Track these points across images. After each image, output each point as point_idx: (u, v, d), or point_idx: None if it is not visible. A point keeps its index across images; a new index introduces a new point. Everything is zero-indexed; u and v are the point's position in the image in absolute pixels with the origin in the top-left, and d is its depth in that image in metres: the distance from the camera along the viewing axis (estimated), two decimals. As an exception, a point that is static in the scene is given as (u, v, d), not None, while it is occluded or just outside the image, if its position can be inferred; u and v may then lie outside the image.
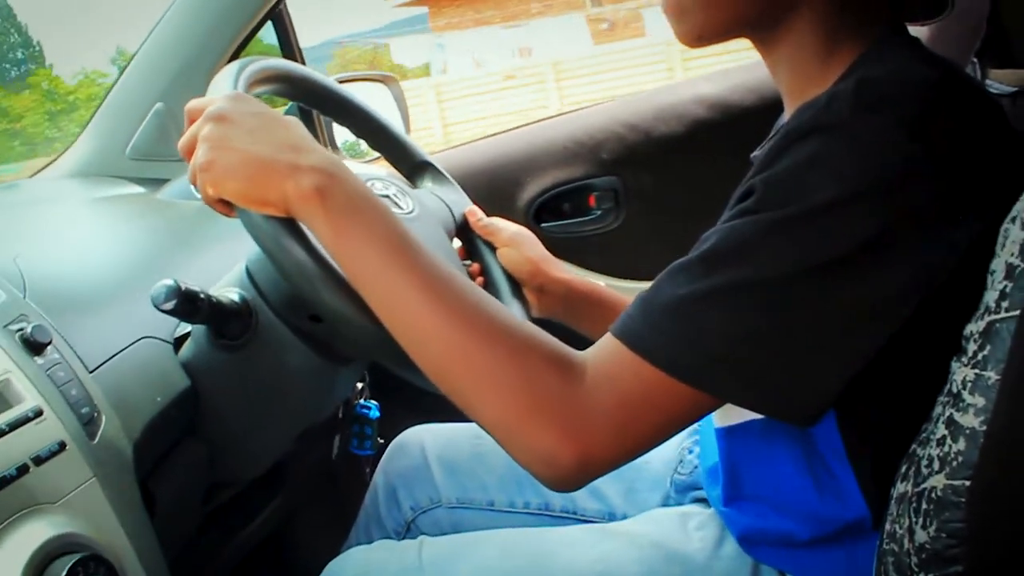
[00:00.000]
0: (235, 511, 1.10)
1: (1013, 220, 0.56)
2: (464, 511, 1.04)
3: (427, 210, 0.98)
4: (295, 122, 0.70)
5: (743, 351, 0.58)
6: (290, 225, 0.69)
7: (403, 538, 1.04)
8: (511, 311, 0.98)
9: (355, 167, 1.43)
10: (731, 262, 0.59)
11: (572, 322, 1.03)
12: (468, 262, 1.05)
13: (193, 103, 0.72)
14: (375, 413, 1.25)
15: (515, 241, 1.01)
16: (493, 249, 1.03)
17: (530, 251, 1.01)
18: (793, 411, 0.60)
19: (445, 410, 0.93)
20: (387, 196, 0.94)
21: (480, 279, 1.02)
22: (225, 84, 0.78)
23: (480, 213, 1.05)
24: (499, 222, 1.04)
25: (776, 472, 0.73)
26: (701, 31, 0.72)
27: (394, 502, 1.07)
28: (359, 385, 1.26)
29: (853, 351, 0.59)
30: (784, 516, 0.74)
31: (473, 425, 1.04)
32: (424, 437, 1.11)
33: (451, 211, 1.04)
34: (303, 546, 1.41)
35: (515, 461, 0.62)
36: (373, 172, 0.98)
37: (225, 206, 0.69)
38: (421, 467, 1.07)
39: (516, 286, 1.02)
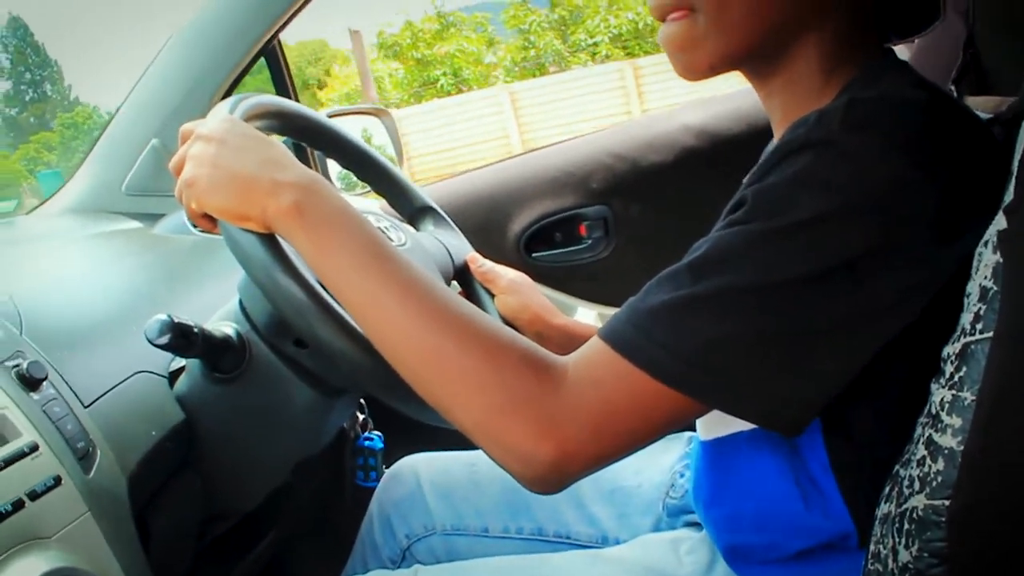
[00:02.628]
0: (231, 544, 1.10)
1: (985, 244, 0.57)
2: (458, 537, 1.04)
3: (421, 248, 1.00)
4: (280, 144, 0.73)
5: (726, 356, 0.58)
6: (270, 241, 0.71)
7: (398, 566, 1.05)
8: None
9: (358, 202, 1.45)
10: (718, 270, 0.59)
11: None
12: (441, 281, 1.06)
13: (187, 125, 0.76)
14: (379, 444, 1.25)
15: (513, 288, 1.04)
16: (492, 296, 1.05)
17: (528, 298, 1.04)
18: (774, 419, 0.60)
19: (446, 438, 0.95)
20: (380, 229, 0.95)
21: None
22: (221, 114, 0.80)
23: (480, 260, 1.08)
24: (498, 269, 1.06)
25: (762, 484, 0.74)
26: (711, 61, 0.71)
27: (389, 530, 1.08)
28: (360, 417, 1.26)
29: (834, 365, 0.60)
30: (770, 529, 0.74)
31: (468, 453, 1.05)
32: (419, 466, 1.11)
33: (451, 255, 1.06)
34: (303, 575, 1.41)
35: (493, 460, 0.62)
36: (366, 207, 1.00)
37: (208, 221, 0.73)
38: (416, 495, 1.08)
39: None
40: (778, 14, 0.69)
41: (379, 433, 1.32)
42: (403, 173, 1.11)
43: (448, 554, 1.03)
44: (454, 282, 1.06)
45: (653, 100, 12.89)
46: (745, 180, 0.81)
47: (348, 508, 1.39)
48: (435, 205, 1.11)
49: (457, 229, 1.12)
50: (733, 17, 0.68)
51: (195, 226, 1.27)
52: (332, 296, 0.70)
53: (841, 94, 0.68)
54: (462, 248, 1.09)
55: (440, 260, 1.04)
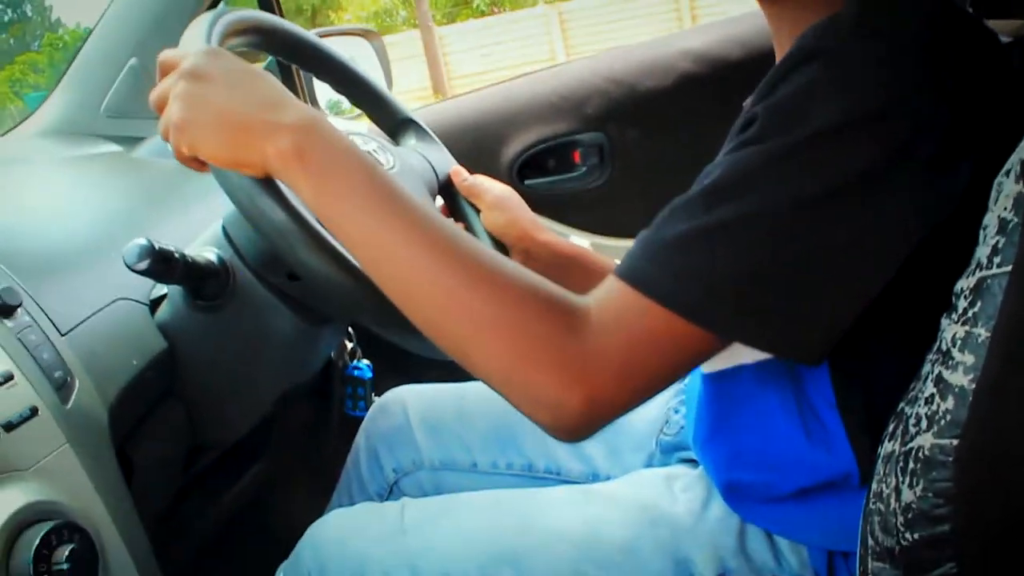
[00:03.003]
0: (216, 476, 1.09)
1: (1007, 173, 0.54)
2: (447, 473, 1.03)
3: (409, 167, 0.96)
4: (272, 78, 0.67)
5: (749, 286, 0.56)
6: (267, 184, 0.67)
7: (385, 500, 1.04)
8: None
9: (336, 124, 1.41)
10: (734, 195, 0.57)
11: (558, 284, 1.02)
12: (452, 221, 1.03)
13: (166, 54, 0.69)
14: (368, 373, 1.24)
15: (500, 204, 0.99)
16: (478, 211, 1.02)
17: (516, 214, 0.99)
18: (800, 348, 0.58)
19: (436, 368, 0.92)
20: (368, 152, 0.91)
21: None
22: (198, 35, 0.76)
23: (464, 173, 1.03)
24: (484, 183, 1.02)
25: (765, 419, 0.72)
26: None
27: (376, 464, 1.06)
28: (349, 346, 1.25)
29: (860, 283, 0.57)
30: (771, 466, 0.73)
31: (457, 386, 1.03)
32: (407, 398, 1.09)
33: (435, 170, 1.02)
34: (286, 510, 1.41)
35: (519, 411, 0.60)
36: (353, 128, 0.96)
37: (199, 163, 0.67)
38: (404, 429, 1.06)
39: (502, 248, 1.01)
40: None
41: (368, 362, 1.30)
42: (385, 88, 1.06)
43: (436, 489, 1.02)
44: (438, 197, 1.02)
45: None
46: (746, 103, 0.78)
47: (334, 439, 1.38)
48: (417, 118, 1.07)
49: (439, 142, 1.08)
50: None
51: None
52: (338, 242, 0.66)
53: (848, 4, 0.64)
54: (445, 161, 1.05)
55: (427, 178, 1.00)
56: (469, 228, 1.02)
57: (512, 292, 0.59)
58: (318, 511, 1.09)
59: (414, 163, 0.99)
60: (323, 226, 0.65)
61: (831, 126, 0.55)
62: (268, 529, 1.37)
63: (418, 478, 1.03)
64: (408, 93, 13.87)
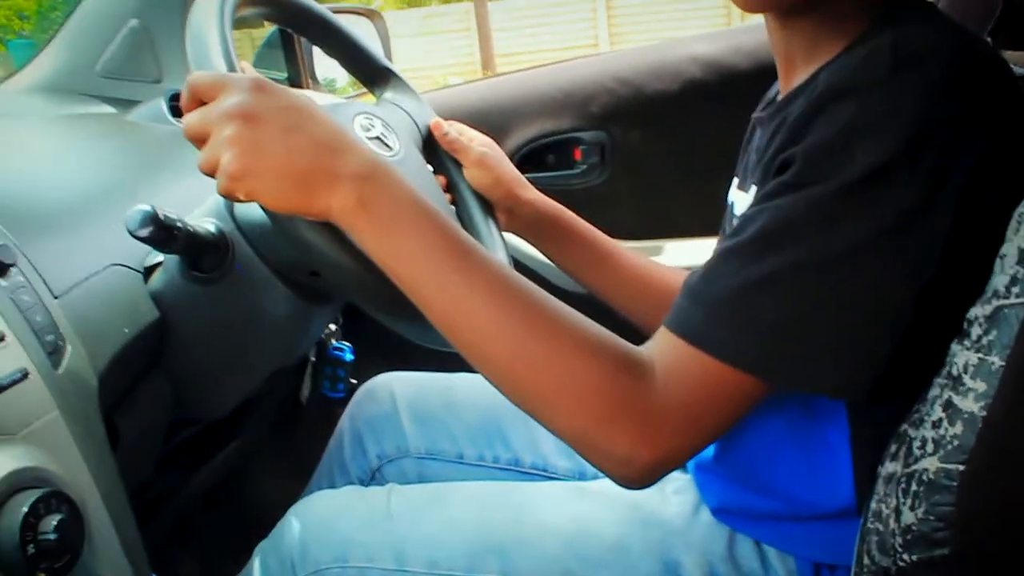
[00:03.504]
0: (194, 449, 1.08)
1: None
2: (432, 462, 1.02)
3: (414, 158, 0.94)
4: (326, 114, 0.64)
5: (804, 334, 0.57)
6: (325, 227, 0.64)
7: (368, 486, 1.03)
8: (487, 231, 0.96)
9: (336, 100, 1.39)
10: (782, 243, 0.57)
11: (537, 243, 1.03)
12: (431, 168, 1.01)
13: (201, 78, 0.63)
14: (348, 356, 1.22)
15: (484, 162, 0.99)
16: (459, 166, 1.01)
17: (500, 172, 0.99)
18: (854, 387, 0.59)
19: (419, 357, 0.91)
20: (375, 138, 0.90)
21: (448, 196, 1.00)
22: (212, 2, 0.74)
23: (445, 126, 1.01)
24: (464, 137, 1.01)
25: (772, 448, 0.73)
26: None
27: (360, 449, 1.05)
28: (332, 327, 1.23)
29: (902, 316, 0.58)
30: (770, 496, 0.74)
31: (445, 375, 1.02)
32: (394, 385, 1.08)
33: (415, 122, 1.01)
34: (261, 488, 1.40)
35: (591, 464, 0.61)
36: (358, 107, 0.94)
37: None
38: (390, 415, 1.05)
39: (486, 203, 1.00)
40: None
41: (349, 344, 1.29)
42: (366, 41, 1.03)
43: (420, 478, 1.02)
44: (419, 152, 1.00)
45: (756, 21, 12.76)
46: (755, 115, 0.78)
47: (308, 420, 1.37)
48: (394, 68, 1.05)
49: (416, 91, 1.05)
50: None
51: (174, 116, 1.21)
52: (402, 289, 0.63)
53: (873, 31, 0.64)
54: (425, 113, 1.03)
55: (411, 133, 0.99)
56: (451, 184, 1.01)
57: (585, 350, 0.59)
58: (294, 491, 1.08)
59: (396, 119, 0.97)
60: (389, 275, 0.62)
61: (872, 169, 0.55)
62: (244, 506, 1.36)
63: (402, 465, 1.02)
64: (452, 68, 13.68)
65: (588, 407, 0.58)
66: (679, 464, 0.61)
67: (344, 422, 1.09)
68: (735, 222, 0.78)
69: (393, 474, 1.03)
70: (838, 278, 0.56)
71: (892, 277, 0.56)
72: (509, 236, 1.03)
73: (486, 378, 0.62)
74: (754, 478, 0.76)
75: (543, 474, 0.99)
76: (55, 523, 0.59)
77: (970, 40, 0.61)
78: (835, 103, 0.58)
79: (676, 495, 0.82)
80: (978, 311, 0.57)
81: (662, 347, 0.61)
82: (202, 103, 0.62)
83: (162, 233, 0.75)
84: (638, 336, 0.66)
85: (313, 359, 1.30)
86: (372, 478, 1.04)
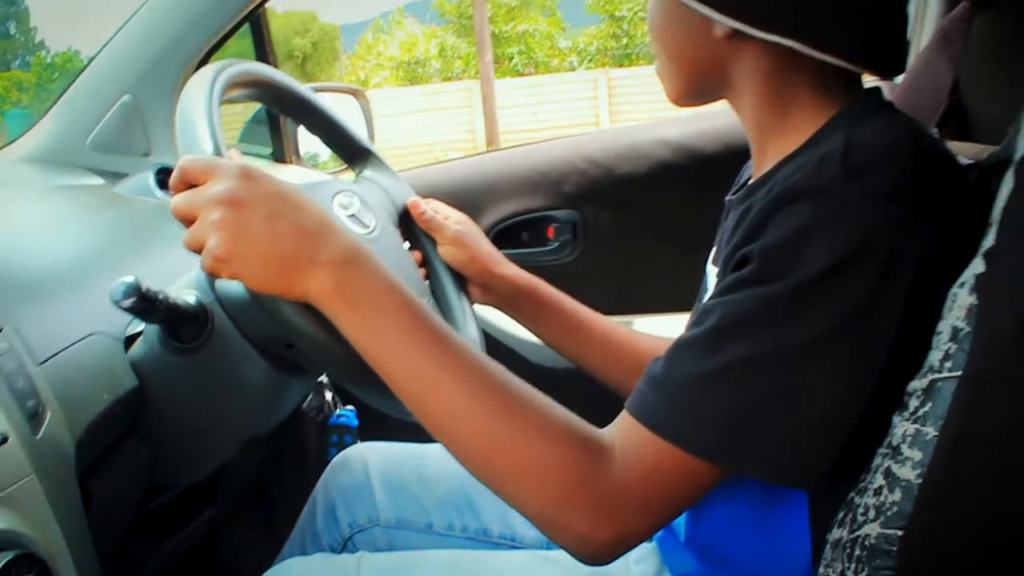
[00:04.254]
0: (167, 516, 1.08)
1: (961, 285, 0.58)
2: (402, 531, 1.03)
3: (391, 239, 0.98)
4: (308, 200, 0.68)
5: (757, 424, 0.60)
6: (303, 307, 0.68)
7: (340, 554, 1.04)
8: (460, 307, 0.99)
9: (317, 176, 1.44)
10: (738, 337, 0.61)
11: (514, 315, 1.07)
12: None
13: (192, 162, 0.67)
14: (354, 421, 1.24)
15: (459, 240, 1.03)
16: (434, 243, 1.05)
17: (475, 250, 1.03)
18: (804, 475, 0.62)
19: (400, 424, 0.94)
20: (353, 216, 0.94)
21: (423, 270, 1.03)
22: (202, 87, 0.78)
23: (422, 204, 1.06)
24: (440, 216, 1.05)
25: (734, 527, 0.75)
26: (675, 95, 0.79)
27: (332, 518, 1.06)
28: (328, 395, 1.25)
29: (855, 406, 0.61)
30: (730, 567, 0.76)
31: (418, 445, 1.04)
32: (367, 454, 1.10)
33: (392, 199, 1.05)
34: (234, 556, 1.39)
35: (554, 542, 0.64)
36: (338, 185, 0.98)
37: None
38: (363, 484, 1.06)
39: (459, 279, 1.04)
40: (696, 59, 0.74)
41: (352, 408, 1.30)
42: (348, 122, 1.08)
43: (390, 546, 1.02)
44: (396, 229, 1.04)
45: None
46: (727, 198, 0.82)
47: (289, 490, 1.37)
48: (373, 148, 1.10)
49: (394, 170, 1.10)
50: (664, 60, 0.78)
51: (161, 189, 1.25)
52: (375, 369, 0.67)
53: (831, 130, 0.69)
54: (402, 192, 1.07)
55: (388, 210, 1.02)
56: (426, 260, 1.05)
57: (547, 433, 0.63)
58: (267, 558, 1.08)
59: (374, 197, 1.01)
60: (364, 357, 0.66)
61: (821, 271, 0.59)
62: (217, 572, 1.36)
63: (373, 534, 1.03)
64: (453, 144, 13.84)
65: (549, 488, 0.62)
66: (638, 542, 0.64)
67: (318, 491, 1.11)
68: (705, 295, 0.82)
69: (364, 543, 1.04)
70: (791, 372, 0.60)
71: (843, 371, 0.60)
72: (486, 309, 1.06)
73: (453, 455, 0.65)
74: (716, 551, 0.77)
75: (510, 543, 1.00)
76: None
77: (918, 140, 0.65)
78: (790, 205, 0.61)
79: (637, 564, 0.84)
80: (916, 384, 0.61)
81: (622, 430, 0.64)
82: (191, 185, 0.67)
83: (145, 304, 0.77)
84: (618, 400, 0.69)
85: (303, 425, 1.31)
86: (343, 547, 1.05)
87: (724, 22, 0.69)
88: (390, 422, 1.17)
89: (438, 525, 1.02)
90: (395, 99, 14.89)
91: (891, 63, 0.72)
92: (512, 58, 18.07)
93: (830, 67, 0.69)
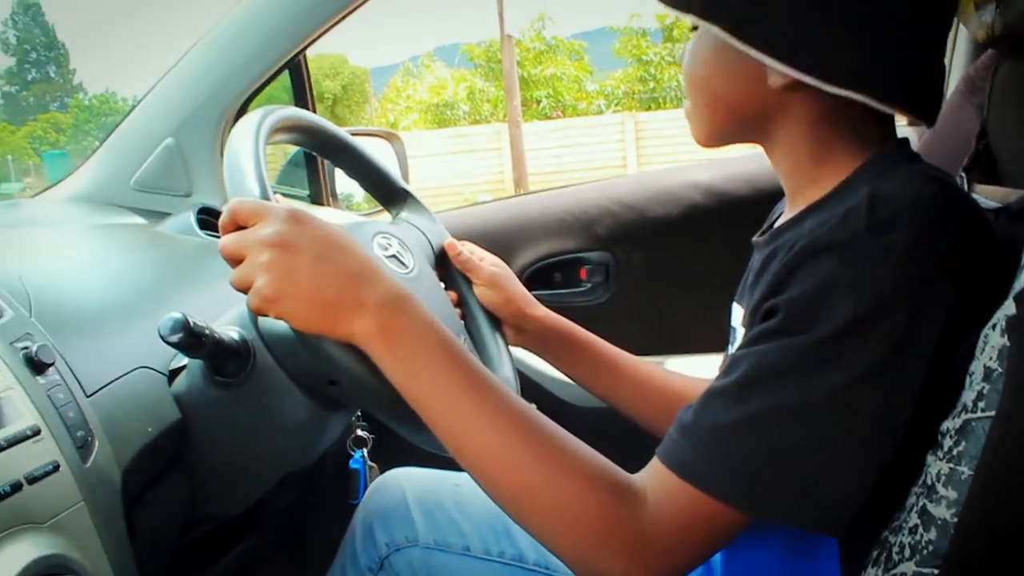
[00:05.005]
0: (207, 547, 1.09)
1: (993, 327, 0.59)
2: (439, 553, 1.04)
3: (427, 275, 1.00)
4: (354, 243, 0.71)
5: (785, 473, 0.61)
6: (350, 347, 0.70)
7: (375, 574, 1.05)
8: (495, 347, 1.01)
9: (353, 217, 1.47)
10: (764, 388, 0.62)
11: (545, 356, 1.09)
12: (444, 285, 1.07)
13: (241, 204, 0.70)
14: (361, 465, 1.25)
15: (495, 282, 1.05)
16: (470, 283, 1.07)
17: (510, 292, 1.06)
18: (832, 522, 0.63)
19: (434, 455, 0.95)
20: (392, 256, 0.96)
21: (459, 310, 1.05)
22: (247, 132, 0.81)
23: (459, 246, 1.09)
24: (475, 257, 1.08)
25: (766, 563, 0.76)
26: (705, 137, 0.79)
27: (371, 539, 1.08)
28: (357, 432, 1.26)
29: (881, 454, 0.62)
30: None
31: (453, 473, 1.06)
32: (403, 480, 1.12)
33: (429, 241, 1.07)
34: None
35: None
36: (377, 226, 1.01)
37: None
38: (400, 507, 1.08)
39: (495, 319, 1.06)
40: (735, 105, 0.75)
41: (360, 450, 1.32)
42: (386, 163, 1.11)
43: (427, 569, 1.04)
44: (432, 270, 1.06)
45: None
46: (755, 239, 0.84)
47: (324, 523, 1.38)
48: (410, 190, 1.12)
49: (431, 212, 1.12)
50: (702, 104, 0.78)
51: (202, 229, 1.28)
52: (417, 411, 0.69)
53: (858, 181, 0.70)
54: (439, 233, 1.10)
55: (425, 250, 1.05)
56: (462, 300, 1.07)
57: (581, 477, 0.65)
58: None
59: (411, 237, 1.04)
60: (404, 396, 0.68)
61: (845, 325, 0.60)
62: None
63: (410, 555, 1.05)
64: (481, 186, 14.00)
65: (584, 532, 0.63)
66: None
67: (357, 516, 1.12)
68: (733, 332, 0.83)
69: (401, 564, 1.05)
70: (818, 422, 0.61)
71: (868, 422, 0.61)
72: (517, 349, 1.08)
73: (489, 496, 0.67)
74: None
75: (545, 571, 1.01)
76: None
77: (944, 192, 0.66)
78: (815, 258, 0.63)
79: None
80: (949, 424, 0.61)
81: (653, 476, 0.66)
82: (240, 227, 0.69)
83: (191, 339, 0.80)
84: (644, 444, 0.70)
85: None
86: (380, 567, 1.06)
87: (784, 71, 0.69)
88: (405, 461, 1.19)
89: (475, 548, 1.04)
90: (424, 142, 15.10)
91: (934, 109, 0.73)
92: (540, 101, 18.27)
93: (869, 115, 0.70)
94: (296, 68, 1.51)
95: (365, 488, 1.23)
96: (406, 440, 0.78)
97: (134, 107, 1.43)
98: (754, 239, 0.84)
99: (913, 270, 0.61)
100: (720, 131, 0.78)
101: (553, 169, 14.29)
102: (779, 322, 0.63)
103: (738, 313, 0.83)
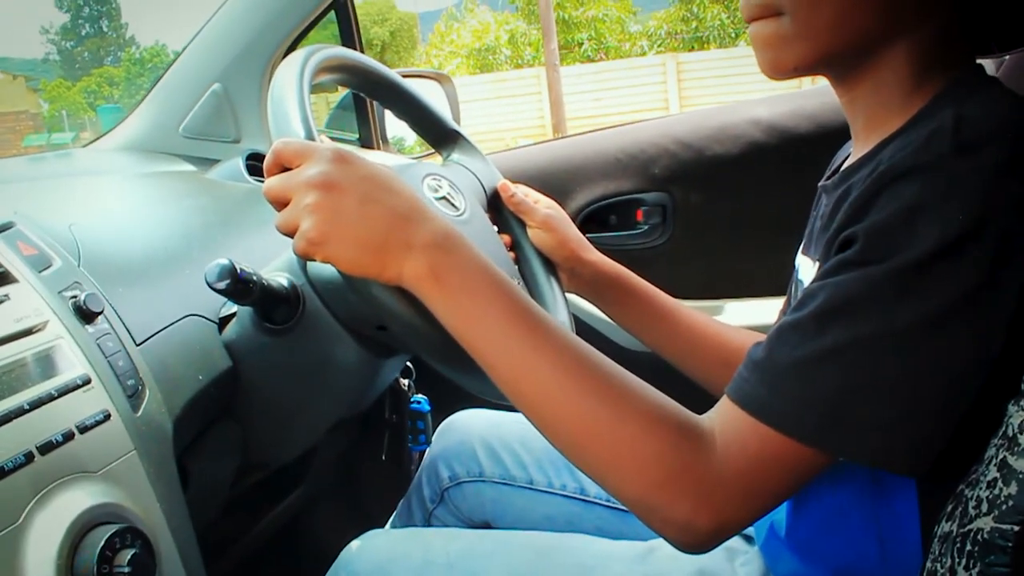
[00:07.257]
0: (260, 495, 1.11)
1: None
2: (502, 487, 1.05)
3: (480, 218, 0.98)
4: (402, 183, 0.67)
5: (864, 409, 0.57)
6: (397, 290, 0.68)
7: (436, 506, 1.07)
8: (550, 291, 0.98)
9: (405, 160, 1.44)
10: (843, 319, 0.58)
11: (598, 303, 1.06)
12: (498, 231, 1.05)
13: (286, 145, 0.67)
14: (426, 407, 1.25)
15: (549, 224, 1.03)
16: (524, 225, 1.04)
17: (564, 235, 1.03)
18: (908, 464, 0.59)
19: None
20: (443, 198, 0.94)
21: (512, 254, 1.03)
22: (292, 71, 0.79)
23: (512, 188, 1.06)
24: (530, 199, 1.05)
25: (839, 519, 0.72)
26: (797, 62, 0.68)
27: (434, 474, 1.09)
28: (405, 382, 1.26)
29: (964, 394, 0.58)
30: (836, 567, 0.73)
31: (517, 414, 1.06)
32: (469, 420, 1.13)
33: (481, 184, 1.04)
34: (322, 534, 1.42)
35: (651, 530, 0.62)
36: (427, 168, 0.98)
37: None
38: (465, 444, 1.09)
39: (549, 264, 1.03)
40: (868, 20, 0.66)
41: (424, 396, 1.32)
42: (436, 104, 1.08)
43: (490, 501, 1.05)
44: (485, 213, 1.03)
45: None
46: (821, 184, 0.79)
47: (380, 471, 1.39)
48: (462, 131, 1.09)
49: (483, 153, 1.10)
50: (822, 21, 0.66)
51: (251, 175, 1.27)
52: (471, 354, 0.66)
53: (937, 106, 0.65)
54: (491, 175, 1.07)
55: (476, 193, 1.02)
56: (516, 243, 1.05)
57: (646, 418, 0.61)
58: (355, 536, 1.10)
59: (463, 180, 1.01)
60: (458, 340, 0.65)
61: (930, 252, 0.56)
62: (304, 551, 1.38)
63: (472, 488, 1.06)
64: (521, 131, 13.94)
65: (648, 473, 0.60)
66: (738, 530, 0.61)
67: (426, 457, 1.14)
68: (799, 287, 0.79)
69: (461, 496, 1.06)
70: (899, 354, 0.57)
71: (954, 354, 0.57)
72: (570, 296, 1.05)
73: (548, 440, 0.64)
74: (819, 546, 0.75)
75: (606, 504, 1.00)
76: (129, 557, 0.62)
77: None
78: (897, 183, 0.58)
79: (743, 566, 0.82)
80: (1034, 371, 0.57)
81: (723, 416, 0.62)
82: (285, 169, 0.67)
83: (238, 286, 0.79)
84: (700, 393, 0.67)
85: (394, 417, 1.33)
86: (441, 499, 1.07)
87: None
88: (458, 404, 1.18)
89: (538, 481, 1.04)
90: (465, 87, 15.02)
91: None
92: (582, 44, 17.95)
93: (952, 42, 0.66)
94: (344, 13, 1.48)
95: (430, 432, 1.24)
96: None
97: (179, 54, 1.42)
98: (821, 183, 0.80)
99: (1003, 193, 0.56)
100: (811, 60, 0.68)
101: (592, 113, 14.09)
102: (858, 251, 0.59)
103: (806, 266, 0.79)
